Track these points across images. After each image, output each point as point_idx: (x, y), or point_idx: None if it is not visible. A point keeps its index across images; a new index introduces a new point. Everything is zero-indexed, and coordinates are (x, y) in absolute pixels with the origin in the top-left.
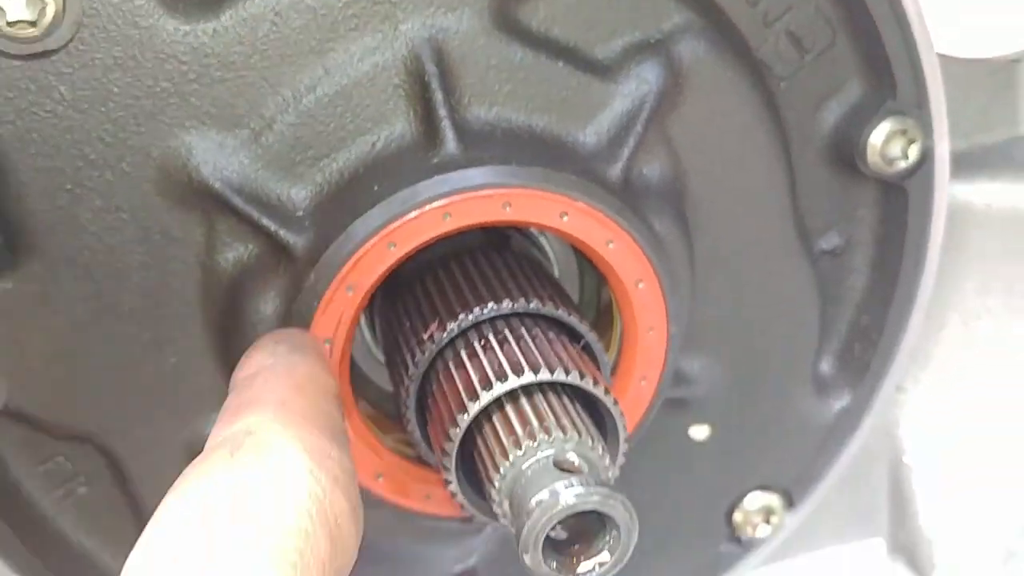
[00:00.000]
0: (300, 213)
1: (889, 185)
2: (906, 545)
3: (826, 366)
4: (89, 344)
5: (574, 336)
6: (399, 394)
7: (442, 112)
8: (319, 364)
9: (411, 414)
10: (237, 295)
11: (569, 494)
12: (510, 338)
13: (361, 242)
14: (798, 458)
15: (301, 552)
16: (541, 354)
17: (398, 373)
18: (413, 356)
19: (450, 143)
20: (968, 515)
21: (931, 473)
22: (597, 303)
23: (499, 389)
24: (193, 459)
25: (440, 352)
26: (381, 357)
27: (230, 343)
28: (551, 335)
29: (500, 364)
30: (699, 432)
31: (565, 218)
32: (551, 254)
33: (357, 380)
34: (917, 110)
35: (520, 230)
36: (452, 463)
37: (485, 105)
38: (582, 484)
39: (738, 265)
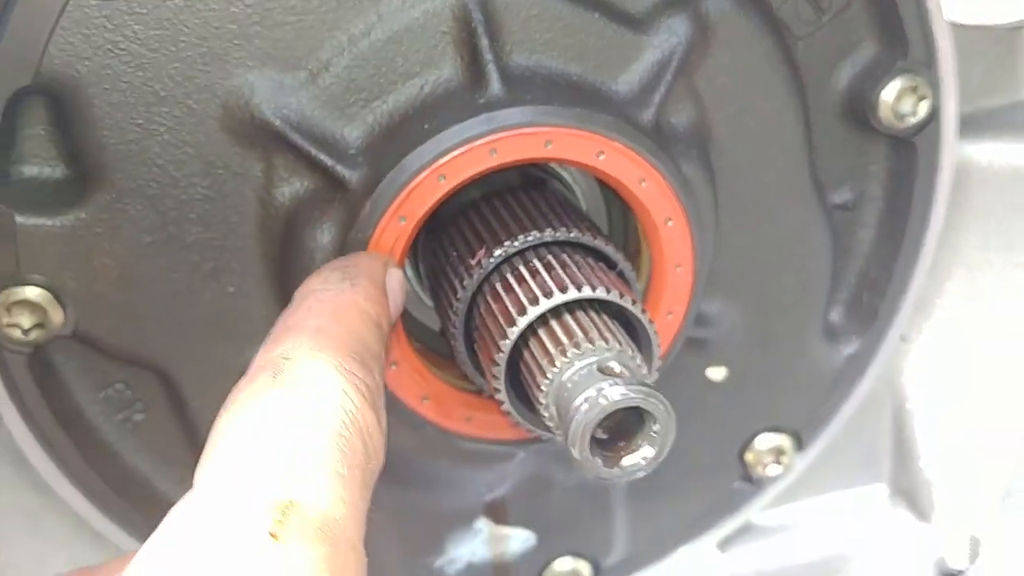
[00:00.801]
0: (352, 151)
1: (899, 141)
2: (907, 488)
3: (836, 315)
4: (154, 272)
5: (609, 266)
6: (447, 320)
7: (488, 56)
8: (366, 292)
9: (459, 335)
10: (294, 227)
11: (615, 391)
12: (553, 263)
13: (414, 174)
14: (808, 401)
15: (343, 454)
16: (583, 275)
17: (446, 300)
18: (462, 280)
19: (495, 85)
20: (967, 458)
21: (932, 419)
22: (624, 245)
23: (545, 304)
24: None
25: (487, 277)
26: (425, 298)
27: (287, 273)
28: (590, 261)
29: (546, 283)
30: (716, 373)
31: (601, 157)
32: (581, 199)
33: (404, 318)
34: (927, 69)
35: (553, 175)
36: (502, 372)
37: (526, 52)
38: (625, 384)
39: (758, 213)
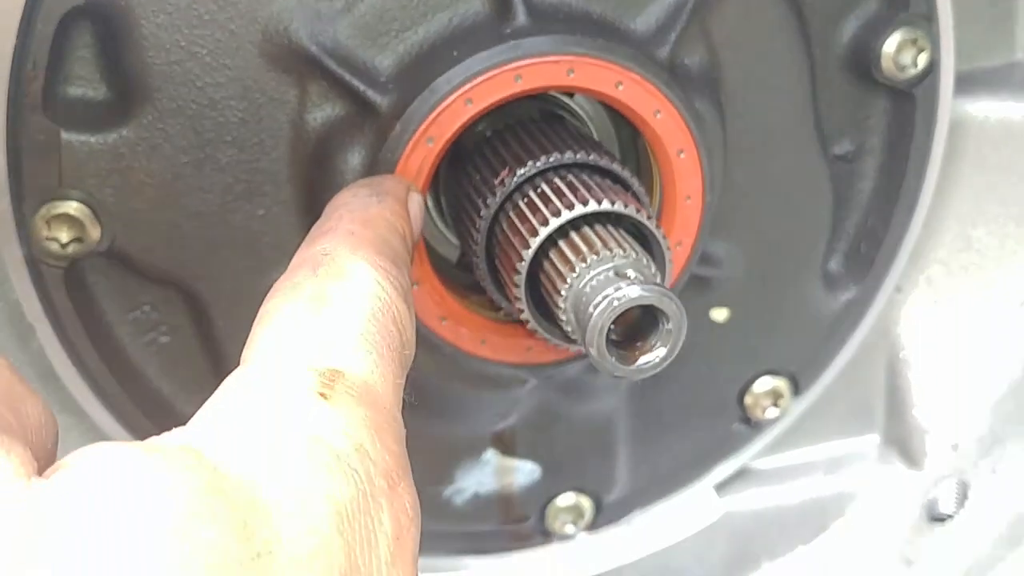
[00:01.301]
0: (383, 78)
1: (899, 94)
2: (900, 437)
3: (835, 264)
4: (189, 191)
5: (625, 189)
6: (469, 239)
7: None
8: (391, 207)
9: (481, 251)
10: (325, 151)
11: (632, 290)
12: (574, 182)
13: (443, 96)
14: (806, 345)
15: (381, 336)
16: (602, 192)
17: (468, 220)
18: (485, 199)
19: (521, 16)
20: (957, 406)
21: (926, 368)
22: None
23: (567, 216)
24: None
25: (509, 196)
26: (444, 231)
27: (316, 196)
28: (608, 182)
29: (566, 197)
30: (719, 314)
31: (620, 87)
32: (594, 133)
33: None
34: (926, 22)
35: (570, 112)
36: (523, 281)
37: None
38: (641, 285)
39: (763, 158)
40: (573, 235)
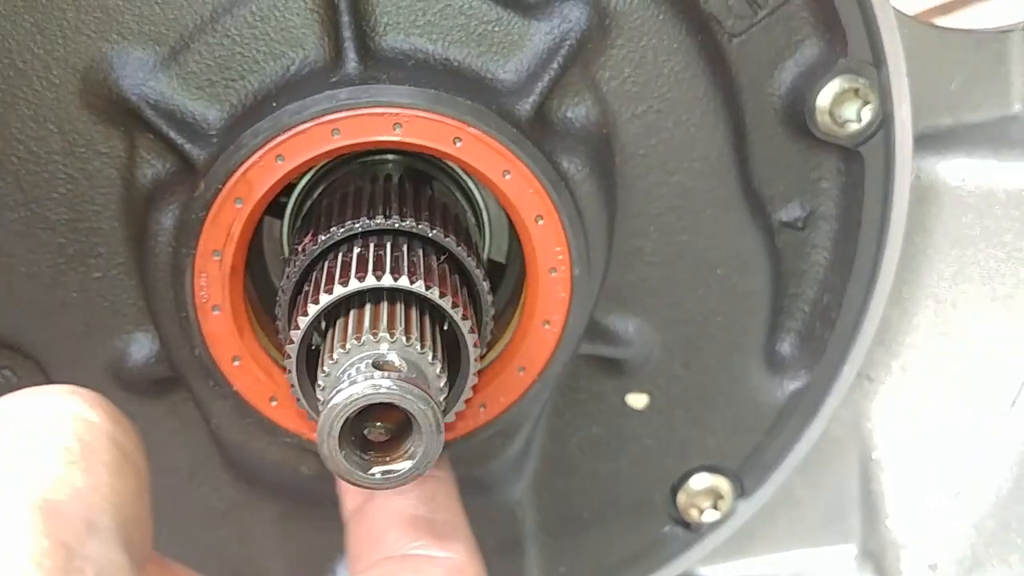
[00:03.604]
0: (213, 132)
1: (849, 152)
2: (874, 550)
3: (787, 346)
4: (19, 252)
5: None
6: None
7: (346, 34)
8: None
9: (283, 314)
10: (151, 209)
11: (367, 384)
12: (379, 251)
13: (248, 153)
14: (746, 439)
15: None
16: (401, 265)
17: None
18: (288, 267)
19: (351, 63)
20: (937, 519)
21: (901, 471)
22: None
23: (339, 292)
24: (116, 378)
25: (313, 263)
26: None
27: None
28: (430, 256)
29: (350, 269)
30: (637, 400)
31: (458, 143)
32: (485, 212)
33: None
34: (872, 68)
35: (457, 180)
36: (293, 365)
37: (401, 34)
38: (386, 378)
39: (673, 224)
40: (353, 312)
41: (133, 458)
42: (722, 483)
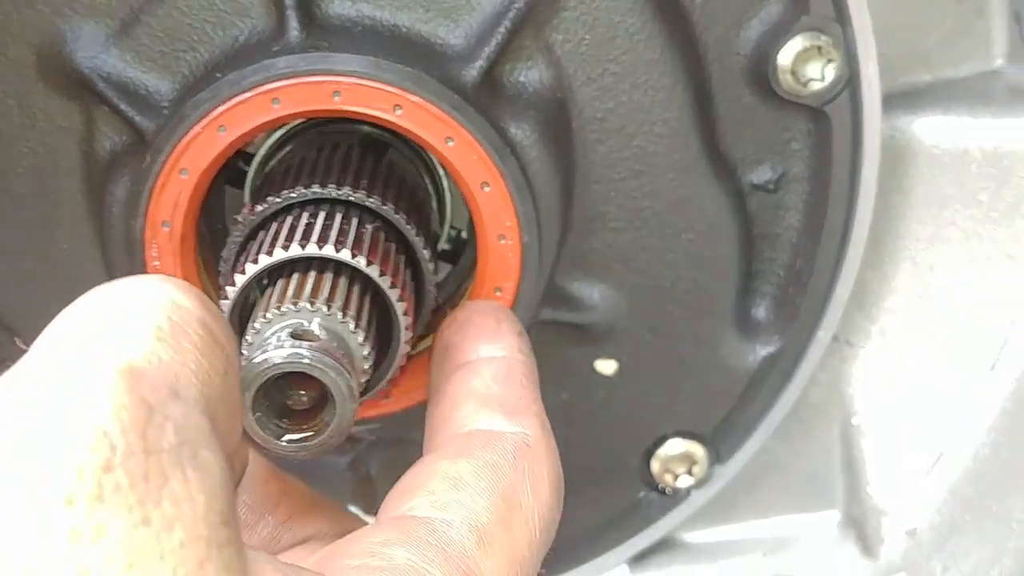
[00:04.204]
0: (165, 104)
1: (817, 112)
2: (856, 517)
3: (762, 311)
4: None
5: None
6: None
7: (288, 2)
8: None
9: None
10: (107, 180)
11: (281, 353)
12: (311, 220)
13: (191, 125)
14: (719, 405)
15: None
16: (329, 234)
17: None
18: (230, 237)
19: (293, 32)
20: (916, 485)
21: (881, 437)
22: None
23: (265, 262)
24: None
25: (252, 232)
26: None
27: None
28: (364, 225)
29: (278, 239)
30: (606, 366)
31: (399, 111)
32: (444, 180)
33: None
34: (835, 26)
35: (414, 148)
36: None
37: (348, 1)
38: (301, 348)
39: (636, 190)
40: (281, 282)
41: (222, 341)
42: (696, 449)
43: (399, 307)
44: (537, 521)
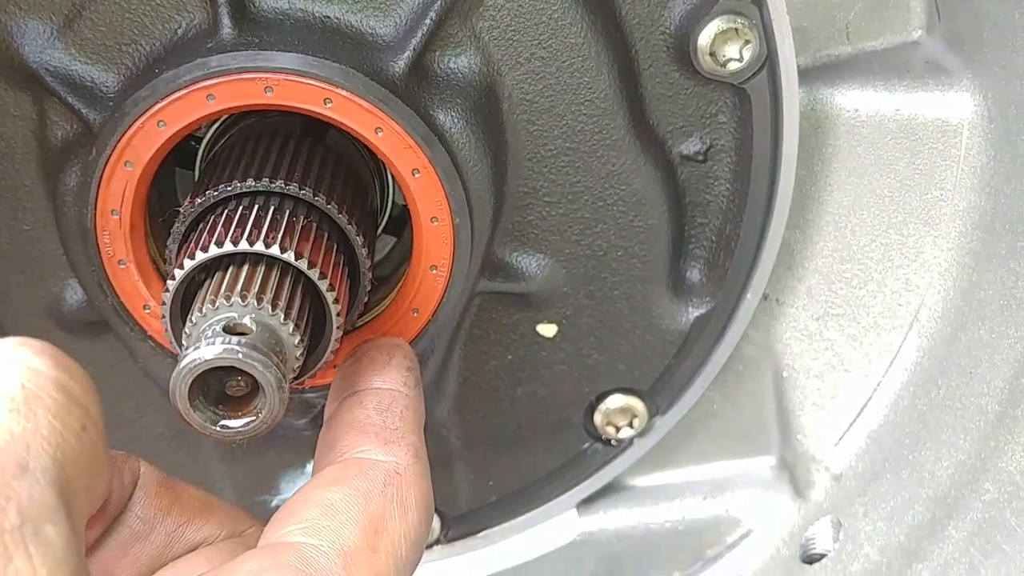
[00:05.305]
0: (110, 96)
1: (738, 89)
2: (789, 462)
3: (695, 273)
4: None
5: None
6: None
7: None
8: None
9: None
10: (60, 170)
11: (212, 349)
12: (245, 213)
13: (131, 120)
14: (656, 363)
15: None
16: (261, 227)
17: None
18: (174, 228)
19: (225, 29)
20: (841, 434)
21: (808, 388)
22: None
23: (200, 257)
24: (55, 320)
25: (193, 224)
26: None
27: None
28: (297, 216)
29: (213, 234)
30: (547, 329)
31: (329, 104)
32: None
33: None
34: (752, 7)
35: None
36: (167, 309)
37: None
38: (232, 343)
39: (567, 166)
40: (218, 275)
41: (80, 399)
42: (636, 403)
43: (329, 296)
44: (404, 543)
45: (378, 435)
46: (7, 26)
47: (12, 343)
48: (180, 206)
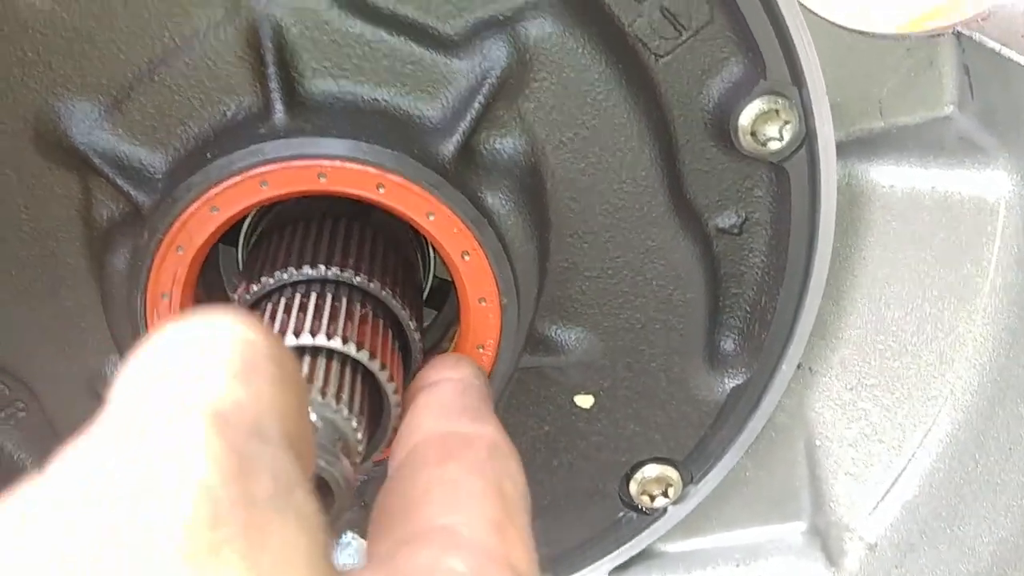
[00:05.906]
0: (158, 177)
1: (776, 167)
2: (821, 529)
3: (730, 344)
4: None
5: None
6: None
7: (272, 84)
8: None
9: None
10: (110, 250)
11: None
12: (304, 301)
13: (185, 206)
14: (691, 433)
15: None
16: (321, 319)
17: None
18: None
19: (278, 114)
20: (876, 503)
21: (842, 457)
22: None
23: None
24: (95, 395)
25: (248, 308)
26: None
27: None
28: (354, 304)
29: (272, 325)
30: (584, 400)
31: (382, 190)
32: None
33: None
34: (792, 88)
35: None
36: None
37: (329, 79)
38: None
39: (607, 242)
40: None
41: (293, 375)
42: (671, 473)
43: (390, 387)
44: (523, 505)
45: (463, 412)
46: (55, 107)
47: (223, 314)
48: (224, 283)
